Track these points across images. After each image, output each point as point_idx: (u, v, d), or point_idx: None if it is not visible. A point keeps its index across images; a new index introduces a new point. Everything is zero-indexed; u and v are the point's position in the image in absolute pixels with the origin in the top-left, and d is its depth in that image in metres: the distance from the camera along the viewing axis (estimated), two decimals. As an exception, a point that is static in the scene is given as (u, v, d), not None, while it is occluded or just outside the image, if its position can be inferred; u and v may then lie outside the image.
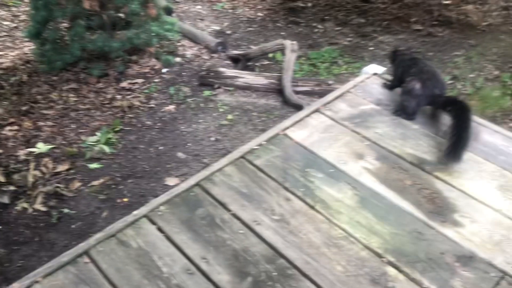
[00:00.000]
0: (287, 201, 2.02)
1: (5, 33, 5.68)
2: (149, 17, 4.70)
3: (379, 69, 2.87)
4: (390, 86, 2.69)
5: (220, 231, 1.90)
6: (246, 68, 5.11)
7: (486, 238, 1.86)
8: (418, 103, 2.43)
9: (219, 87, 4.67)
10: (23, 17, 6.01)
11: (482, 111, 4.09)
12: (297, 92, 4.51)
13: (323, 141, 2.33)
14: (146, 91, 4.58)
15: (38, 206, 3.36)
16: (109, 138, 3.98)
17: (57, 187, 3.51)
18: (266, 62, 5.27)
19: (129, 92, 4.56)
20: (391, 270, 1.75)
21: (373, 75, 2.81)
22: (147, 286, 1.71)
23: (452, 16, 5.81)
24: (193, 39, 5.42)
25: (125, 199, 3.44)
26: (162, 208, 2.00)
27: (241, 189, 2.08)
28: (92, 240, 1.88)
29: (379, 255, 1.80)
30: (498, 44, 5.21)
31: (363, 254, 1.81)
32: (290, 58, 4.78)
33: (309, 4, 6.47)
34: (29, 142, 3.97)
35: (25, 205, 3.38)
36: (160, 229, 1.91)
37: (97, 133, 4.04)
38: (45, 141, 3.95)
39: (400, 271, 1.75)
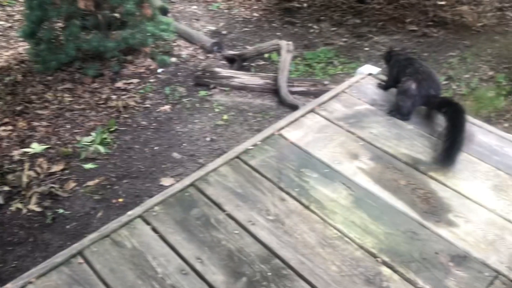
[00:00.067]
0: (282, 201, 2.03)
1: (0, 33, 5.66)
2: (144, 17, 4.69)
3: (374, 69, 2.88)
4: (384, 86, 2.70)
5: (215, 231, 1.90)
6: (241, 68, 5.10)
7: (480, 238, 1.87)
8: (413, 103, 2.44)
9: (214, 87, 4.67)
10: (17, 16, 5.98)
11: (477, 111, 4.11)
12: (292, 93, 4.50)
13: (318, 141, 2.33)
14: (141, 91, 4.57)
15: (33, 206, 3.34)
16: (104, 138, 3.97)
17: (52, 187, 3.49)
18: (261, 62, 5.27)
19: (124, 92, 4.55)
20: (386, 270, 1.76)
21: (368, 76, 2.82)
22: (141, 286, 1.71)
23: (447, 16, 5.83)
24: (189, 39, 5.41)
25: (120, 200, 3.43)
26: (156, 208, 2.00)
27: (236, 189, 2.08)
28: (86, 240, 1.87)
29: (373, 255, 1.81)
30: (493, 45, 5.23)
31: (358, 254, 1.81)
32: (285, 59, 4.78)
33: (305, 5, 6.48)
34: (23, 142, 3.94)
35: (20, 205, 3.36)
36: (154, 230, 1.91)
37: (92, 133, 4.02)
38: (40, 141, 3.93)
39: (395, 271, 1.75)
